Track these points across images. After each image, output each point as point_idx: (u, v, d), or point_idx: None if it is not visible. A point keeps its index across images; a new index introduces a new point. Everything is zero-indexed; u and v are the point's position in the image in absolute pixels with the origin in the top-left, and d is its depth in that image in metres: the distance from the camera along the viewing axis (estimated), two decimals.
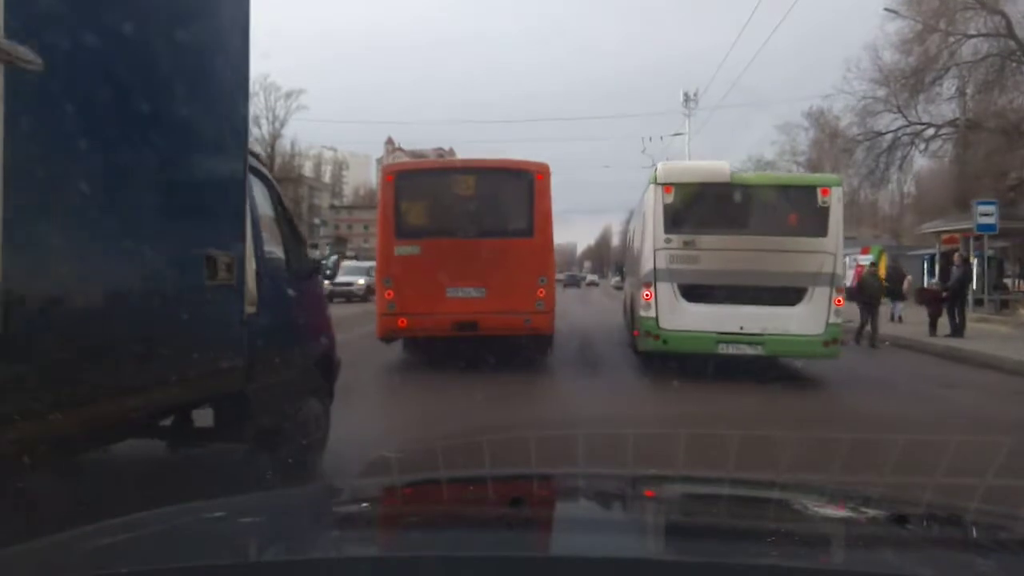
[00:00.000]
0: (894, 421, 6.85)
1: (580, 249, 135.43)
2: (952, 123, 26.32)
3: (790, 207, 9.54)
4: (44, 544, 1.28)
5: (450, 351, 9.87)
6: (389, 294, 9.68)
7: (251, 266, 3.96)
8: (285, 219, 4.95)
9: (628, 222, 20.80)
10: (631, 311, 12.11)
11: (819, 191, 9.32)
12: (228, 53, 3.63)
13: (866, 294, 14.50)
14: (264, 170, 4.78)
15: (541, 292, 9.73)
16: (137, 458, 4.24)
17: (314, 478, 4.71)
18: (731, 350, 9.21)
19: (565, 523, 1.52)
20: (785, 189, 9.96)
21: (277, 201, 4.87)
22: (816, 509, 1.59)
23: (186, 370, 3.35)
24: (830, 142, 31.70)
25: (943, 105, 26.45)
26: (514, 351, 9.91)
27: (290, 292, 4.89)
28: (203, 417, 4.08)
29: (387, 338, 10.25)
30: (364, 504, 1.69)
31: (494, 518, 1.44)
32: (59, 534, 1.33)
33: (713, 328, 9.14)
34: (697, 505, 1.72)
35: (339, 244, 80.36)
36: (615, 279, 53.20)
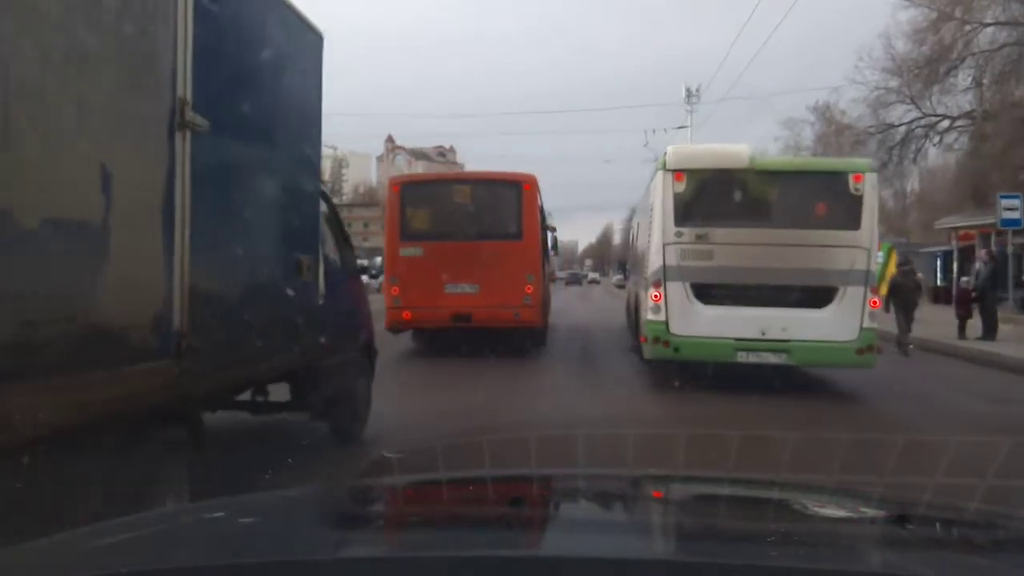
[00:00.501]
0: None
1: (581, 247, 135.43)
2: (968, 115, 25.07)
3: (818, 196, 8.51)
4: (44, 544, 1.28)
5: (451, 343, 10.77)
6: (395, 290, 10.77)
7: (320, 267, 5.01)
8: (339, 227, 6.15)
9: (631, 218, 19.84)
10: (635, 313, 11.08)
11: (851, 177, 8.25)
12: (313, 112, 4.94)
13: (900, 296, 12.90)
14: (323, 187, 5.92)
15: (529, 288, 10.83)
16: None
17: (359, 445, 5.62)
18: (752, 359, 8.19)
19: (565, 523, 1.52)
20: (812, 176, 8.88)
21: (333, 212, 6.02)
22: (816, 509, 1.59)
23: (289, 344, 4.54)
24: (836, 136, 30.64)
25: (959, 96, 25.36)
26: (507, 343, 10.71)
27: (344, 288, 6.00)
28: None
29: (394, 329, 11.16)
30: (364, 504, 1.69)
31: (494, 518, 1.45)
32: (59, 534, 1.33)
33: (731, 333, 8.14)
34: (697, 505, 1.73)
35: None
36: (616, 277, 53.03)
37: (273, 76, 4.35)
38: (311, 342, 4.82)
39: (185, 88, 3.27)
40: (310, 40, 4.80)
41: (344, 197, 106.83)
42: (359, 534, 1.45)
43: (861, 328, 8.09)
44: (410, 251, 10.64)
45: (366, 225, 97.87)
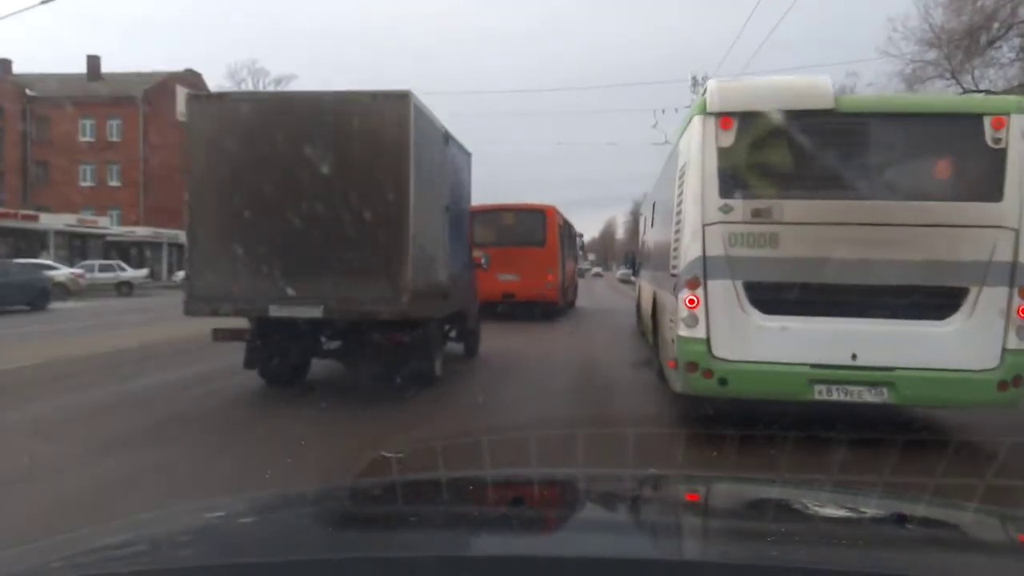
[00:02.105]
0: None
1: (584, 241, 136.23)
2: (1014, 90, 22.42)
3: (938, 151, 6.04)
4: (44, 544, 1.28)
5: (503, 311, 16.95)
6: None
7: (469, 262, 11.07)
8: (465, 237, 10.80)
9: (639, 207, 18.06)
10: (652, 318, 8.76)
11: (988, 122, 5.62)
12: (469, 190, 10.89)
13: None
14: None
15: (549, 278, 17.61)
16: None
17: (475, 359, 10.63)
18: (836, 396, 5.63)
19: (565, 523, 1.52)
20: (929, 121, 5.95)
21: (465, 226, 11.04)
22: (816, 509, 1.59)
23: (464, 297, 10.20)
24: None
25: (1005, 68, 22.97)
26: (536, 312, 17.70)
27: (472, 274, 11.39)
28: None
29: None
30: (364, 504, 1.69)
31: (494, 518, 1.45)
32: (59, 534, 1.33)
33: (805, 358, 5.66)
34: (697, 505, 1.73)
35: None
36: (621, 272, 52.30)
37: (461, 181, 10.05)
38: (467, 298, 10.51)
39: (446, 197, 8.68)
40: (469, 160, 10.67)
41: None
42: (359, 534, 1.45)
43: (1004, 350, 5.52)
44: (479, 254, 14.79)
45: None
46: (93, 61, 48.56)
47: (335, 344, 7.84)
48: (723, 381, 5.74)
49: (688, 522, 1.55)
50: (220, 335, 7.67)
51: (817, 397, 5.67)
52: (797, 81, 6.08)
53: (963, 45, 22.30)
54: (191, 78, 50.88)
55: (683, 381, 5.96)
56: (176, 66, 51.17)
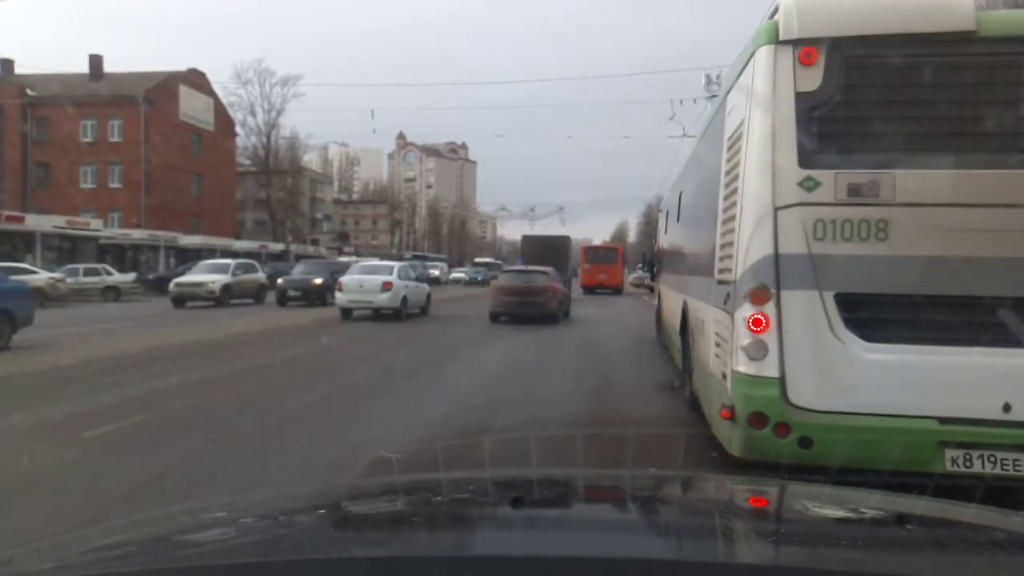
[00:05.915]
0: None
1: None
2: None
3: None
4: (44, 544, 1.28)
5: (595, 292, 37.84)
6: (581, 275, 39.64)
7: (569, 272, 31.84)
8: (566, 256, 33.20)
9: (663, 199, 15.31)
10: (682, 335, 7.13)
11: None
12: (570, 250, 36.96)
13: None
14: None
15: (618, 277, 40.20)
16: None
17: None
18: (979, 466, 3.78)
19: (565, 523, 1.52)
20: None
21: (568, 249, 34.54)
22: (816, 509, 1.59)
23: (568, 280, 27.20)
24: None
25: None
26: (610, 291, 38.66)
27: (564, 278, 24.08)
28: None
29: (583, 290, 38.27)
30: (364, 504, 1.69)
31: (494, 518, 1.45)
32: (59, 534, 1.33)
33: (930, 409, 3.94)
34: (698, 505, 1.73)
35: (341, 239, 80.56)
36: (634, 275, 50.16)
37: (567, 253, 33.62)
38: (567, 291, 21.71)
39: (570, 252, 38.10)
40: (570, 242, 37.18)
41: (355, 195, 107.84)
42: (359, 534, 1.45)
43: None
44: (585, 266, 39.52)
45: (375, 223, 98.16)
46: (95, 60, 48.65)
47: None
48: (805, 441, 3.98)
49: (688, 522, 1.55)
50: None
51: (950, 468, 3.82)
52: None
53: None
54: (194, 77, 50.91)
55: (744, 440, 4.15)
56: (181, 65, 51.29)
